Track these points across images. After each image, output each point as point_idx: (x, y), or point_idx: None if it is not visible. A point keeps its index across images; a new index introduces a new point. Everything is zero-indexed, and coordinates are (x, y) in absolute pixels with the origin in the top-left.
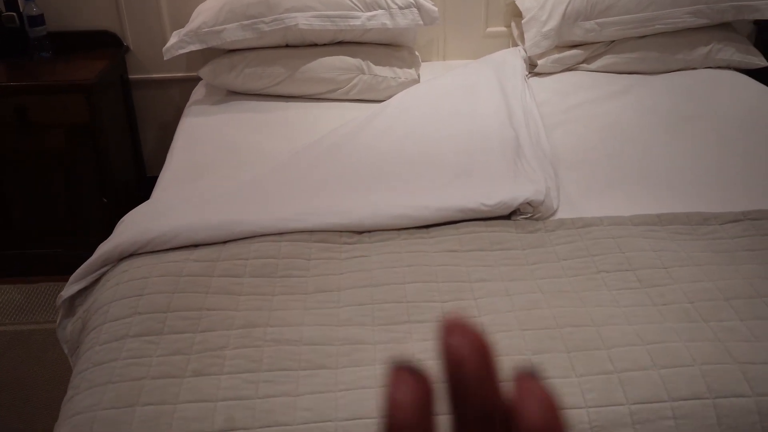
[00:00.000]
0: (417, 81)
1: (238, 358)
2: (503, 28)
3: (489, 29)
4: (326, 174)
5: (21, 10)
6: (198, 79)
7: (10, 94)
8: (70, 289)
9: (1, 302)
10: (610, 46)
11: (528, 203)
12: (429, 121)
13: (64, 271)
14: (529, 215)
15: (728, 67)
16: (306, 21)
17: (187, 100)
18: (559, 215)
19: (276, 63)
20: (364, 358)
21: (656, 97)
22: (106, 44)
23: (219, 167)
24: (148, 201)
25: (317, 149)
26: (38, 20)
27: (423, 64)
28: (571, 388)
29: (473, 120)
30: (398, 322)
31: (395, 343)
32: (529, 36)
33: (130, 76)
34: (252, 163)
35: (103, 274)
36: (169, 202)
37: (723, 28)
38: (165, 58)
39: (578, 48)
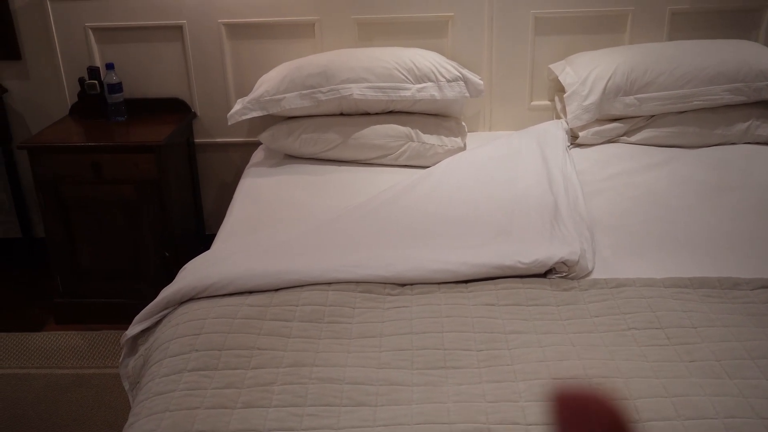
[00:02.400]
0: (463, 149)
1: (285, 393)
2: (547, 102)
3: (533, 102)
4: (373, 230)
5: (102, 78)
6: (257, 144)
7: (88, 151)
8: (134, 328)
9: (65, 347)
10: (650, 120)
11: (563, 263)
12: (472, 185)
13: (123, 320)
14: (564, 274)
15: (767, 143)
16: (360, 92)
17: (245, 161)
18: (594, 276)
19: (331, 130)
20: (401, 398)
21: (694, 169)
22: (176, 110)
23: (274, 223)
24: (209, 251)
25: (366, 208)
26: (117, 88)
27: (470, 134)
28: None
29: (514, 185)
30: (435, 367)
31: (432, 386)
32: (570, 109)
33: (196, 140)
34: (305, 220)
35: (165, 315)
36: (227, 252)
37: (762, 105)
38: (229, 123)
39: (619, 121)
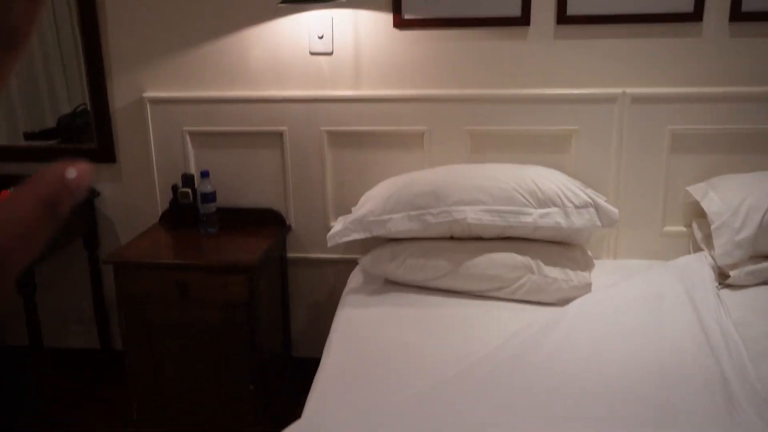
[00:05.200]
0: (590, 285)
1: None
2: (682, 228)
3: (666, 228)
4: (498, 403)
5: (196, 186)
6: (354, 261)
7: (175, 269)
8: None
9: None
10: None
11: None
12: (612, 339)
13: None
14: None
15: None
16: (475, 215)
17: (340, 280)
18: None
19: (440, 256)
20: None
21: None
22: (270, 222)
23: (376, 374)
24: (304, 418)
25: (486, 367)
26: (210, 197)
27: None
28: None
29: (664, 340)
30: None
31: None
32: (719, 243)
33: (288, 254)
34: (412, 373)
35: None
36: (325, 420)
37: None
38: (329, 245)
39: None
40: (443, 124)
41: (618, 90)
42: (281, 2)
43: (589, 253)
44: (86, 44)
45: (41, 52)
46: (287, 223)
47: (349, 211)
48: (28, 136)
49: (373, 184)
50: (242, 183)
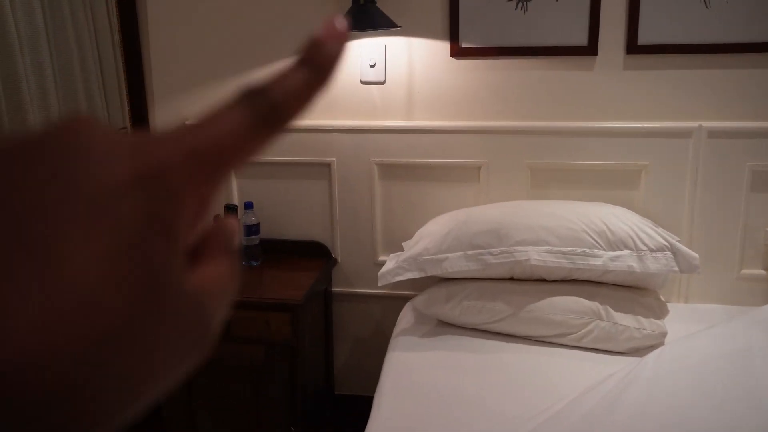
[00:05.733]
0: (665, 335)
1: None
2: (762, 272)
3: (744, 271)
4: None
5: (239, 218)
6: (402, 297)
7: None
8: None
9: None
10: None
11: None
12: (699, 402)
13: None
14: None
15: None
16: (539, 257)
17: (386, 316)
18: None
19: (500, 298)
20: None
21: None
22: (314, 255)
23: (437, 427)
24: None
25: (559, 428)
26: (254, 230)
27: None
28: None
29: (759, 405)
30: None
31: None
32: None
33: (334, 289)
34: (477, 428)
35: None
36: None
37: None
38: (380, 284)
39: None
40: (502, 157)
41: (694, 124)
42: None
43: (662, 298)
44: (129, 69)
45: (82, 75)
46: (333, 256)
47: (399, 246)
48: None
49: (425, 218)
50: (287, 214)
